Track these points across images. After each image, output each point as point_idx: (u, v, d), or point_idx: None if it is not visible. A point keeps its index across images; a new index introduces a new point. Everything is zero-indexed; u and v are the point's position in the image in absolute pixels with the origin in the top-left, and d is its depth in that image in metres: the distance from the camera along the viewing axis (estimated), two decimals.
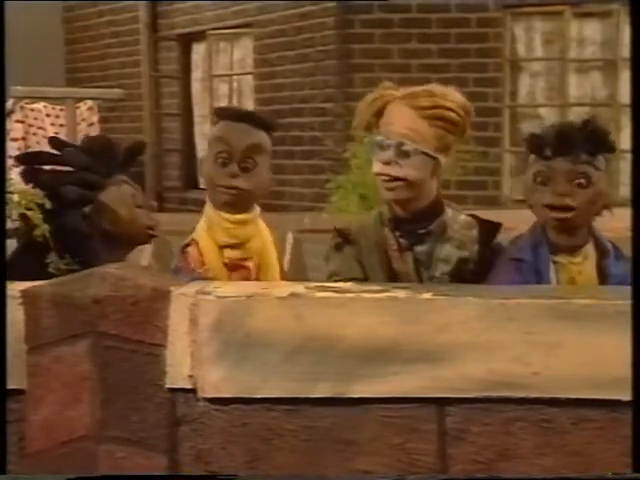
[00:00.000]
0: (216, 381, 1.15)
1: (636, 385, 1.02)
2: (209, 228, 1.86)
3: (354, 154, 4.69)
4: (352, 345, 1.14)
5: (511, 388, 1.12)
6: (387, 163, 1.75)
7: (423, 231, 1.79)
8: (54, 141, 1.82)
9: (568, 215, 1.76)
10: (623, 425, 1.11)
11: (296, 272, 2.26)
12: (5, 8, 1.21)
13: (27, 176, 1.74)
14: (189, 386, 1.16)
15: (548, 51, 6.90)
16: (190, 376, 1.16)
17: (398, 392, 1.14)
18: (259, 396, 1.15)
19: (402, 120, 1.78)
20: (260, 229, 1.93)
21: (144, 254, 2.32)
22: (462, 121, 1.82)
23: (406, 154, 1.75)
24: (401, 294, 1.16)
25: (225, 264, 1.83)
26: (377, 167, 1.78)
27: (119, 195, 1.77)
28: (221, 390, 1.15)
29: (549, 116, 6.80)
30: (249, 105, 7.91)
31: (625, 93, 6.60)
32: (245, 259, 1.89)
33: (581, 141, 1.82)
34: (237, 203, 1.85)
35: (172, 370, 1.16)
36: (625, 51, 6.58)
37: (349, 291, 1.18)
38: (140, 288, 1.17)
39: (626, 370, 1.10)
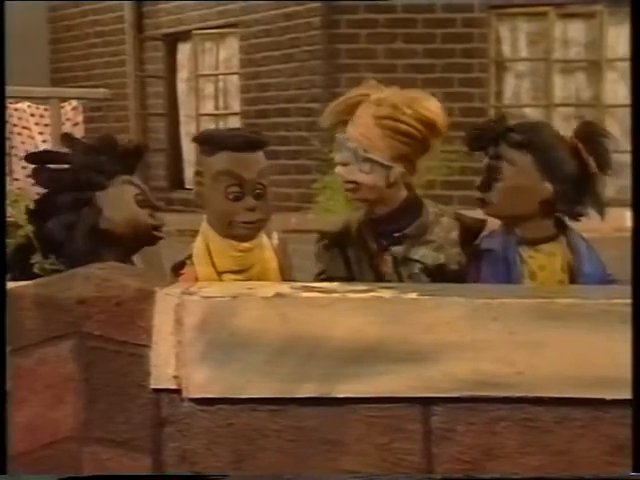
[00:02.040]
0: (201, 381, 1.15)
1: (636, 385, 1.02)
2: (211, 254, 1.78)
3: None
4: (338, 345, 1.14)
5: (496, 388, 1.12)
6: (344, 165, 1.79)
7: (398, 234, 1.81)
8: (66, 138, 1.79)
9: (487, 207, 1.80)
10: (605, 424, 1.12)
11: (282, 272, 2.25)
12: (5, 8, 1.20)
13: (38, 175, 1.70)
14: (174, 386, 1.16)
15: (533, 52, 6.93)
16: (175, 376, 1.15)
17: (383, 392, 1.14)
18: (244, 396, 1.15)
19: (360, 125, 1.80)
20: (263, 251, 1.85)
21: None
22: (421, 135, 1.82)
23: (360, 159, 1.78)
24: (386, 294, 1.16)
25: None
26: (337, 167, 1.82)
27: (118, 195, 1.74)
28: (206, 390, 1.15)
29: (534, 116, 6.82)
30: (235, 105, 7.90)
31: (609, 94, 6.64)
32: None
33: (494, 137, 1.84)
34: (255, 234, 1.79)
35: (157, 370, 1.16)
36: (609, 52, 6.61)
37: (335, 291, 1.18)
38: (124, 288, 1.16)
39: (609, 369, 1.10)
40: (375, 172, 1.77)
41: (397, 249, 1.80)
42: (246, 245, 1.75)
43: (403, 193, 1.85)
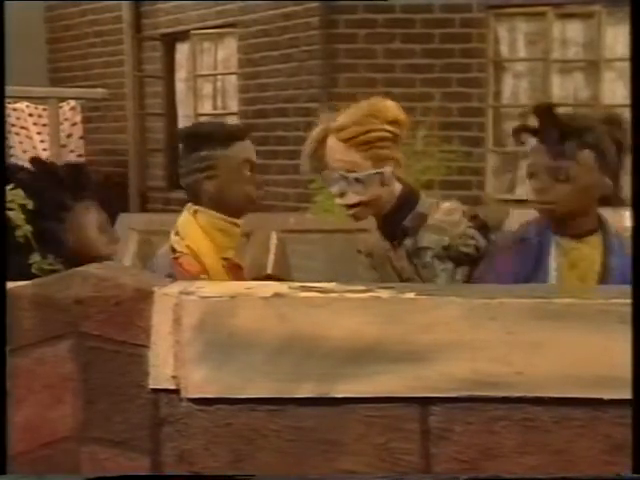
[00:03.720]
0: (199, 381, 1.15)
1: (636, 385, 1.02)
2: (207, 234, 1.90)
3: None
4: (336, 345, 1.14)
5: (494, 387, 1.13)
6: (341, 195, 1.89)
7: (395, 228, 1.89)
8: (34, 161, 1.84)
9: (549, 208, 1.79)
10: (604, 424, 1.12)
11: (280, 272, 2.33)
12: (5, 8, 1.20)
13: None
14: (172, 386, 1.16)
15: (531, 52, 6.94)
16: (173, 376, 1.15)
17: (382, 392, 1.14)
18: (243, 396, 1.15)
19: (335, 153, 1.93)
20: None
21: (127, 255, 2.32)
22: (392, 134, 1.92)
23: (351, 182, 1.87)
24: (384, 294, 1.16)
25: (223, 266, 1.90)
26: (336, 199, 1.95)
27: (82, 218, 1.78)
28: (205, 390, 1.15)
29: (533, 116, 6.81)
30: (233, 105, 7.90)
31: (607, 94, 6.64)
32: (241, 266, 1.96)
33: (559, 134, 1.85)
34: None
35: (155, 370, 1.16)
36: (607, 52, 6.62)
37: (333, 291, 1.18)
38: (122, 288, 1.16)
39: (607, 369, 1.10)
40: (369, 185, 1.87)
41: (407, 241, 1.86)
42: (240, 220, 2.00)
43: (398, 187, 1.93)
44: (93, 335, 1.16)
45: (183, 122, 8.44)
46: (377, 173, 1.89)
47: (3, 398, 1.13)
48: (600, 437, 1.12)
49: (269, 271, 2.21)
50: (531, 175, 1.86)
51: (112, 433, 1.17)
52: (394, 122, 1.93)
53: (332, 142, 1.92)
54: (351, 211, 1.93)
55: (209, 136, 2.01)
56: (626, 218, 2.40)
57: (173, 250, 1.94)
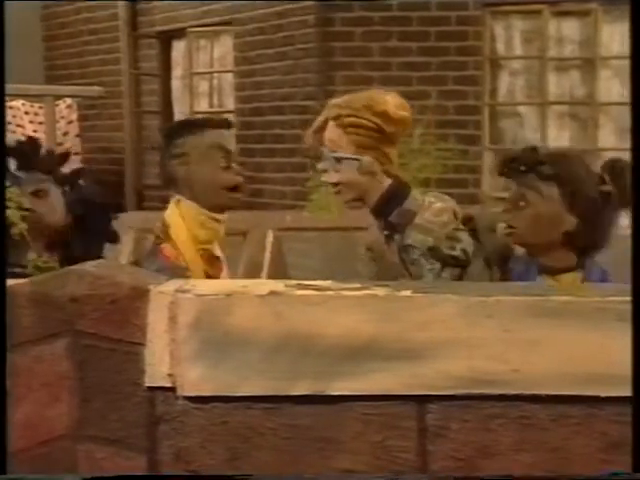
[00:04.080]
0: (195, 380, 1.15)
1: (636, 384, 1.02)
2: (190, 226, 1.96)
3: None
4: (332, 343, 1.14)
5: (491, 385, 1.13)
6: (324, 171, 1.97)
7: (385, 222, 1.94)
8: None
9: (511, 232, 1.87)
10: (600, 421, 1.12)
11: (277, 270, 2.36)
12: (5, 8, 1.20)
13: None
14: (168, 385, 1.15)
15: (527, 49, 6.94)
16: (169, 374, 1.15)
17: (378, 390, 1.14)
18: (239, 394, 1.15)
19: (327, 132, 1.99)
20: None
21: (124, 252, 2.32)
22: (374, 125, 1.98)
23: (334, 161, 1.95)
24: (380, 292, 1.16)
25: (201, 256, 1.96)
26: (322, 176, 2.04)
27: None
28: (201, 389, 1.15)
29: (528, 114, 6.83)
30: (229, 103, 7.90)
31: (603, 91, 6.64)
32: (218, 256, 2.02)
33: (522, 166, 1.92)
34: (235, 204, 2.07)
35: (151, 369, 1.16)
36: (603, 50, 6.62)
37: (329, 289, 1.18)
38: (118, 286, 1.16)
39: (604, 366, 1.10)
40: (346, 167, 1.93)
41: (398, 237, 1.90)
42: (222, 216, 2.03)
43: (386, 182, 1.97)
44: (89, 333, 1.16)
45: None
46: (355, 159, 1.96)
47: (3, 398, 1.12)
48: (597, 435, 1.12)
49: (265, 269, 2.25)
50: (505, 202, 1.95)
51: (108, 431, 1.17)
52: (384, 116, 1.97)
53: (329, 124, 2.01)
54: (332, 189, 2.02)
55: (183, 125, 2.10)
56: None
57: (157, 237, 2.00)
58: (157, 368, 1.15)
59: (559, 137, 6.62)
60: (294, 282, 1.23)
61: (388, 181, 1.98)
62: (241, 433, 1.16)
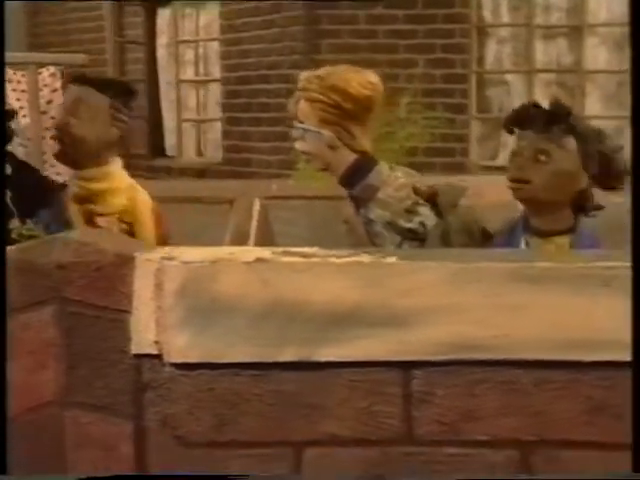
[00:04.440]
0: (182, 347, 1.15)
1: (636, 383, 1.03)
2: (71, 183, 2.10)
3: None
4: (318, 309, 1.14)
5: (475, 351, 1.13)
6: (294, 140, 2.04)
7: (350, 196, 2.01)
8: None
9: (524, 187, 1.81)
10: (584, 386, 1.13)
11: (263, 238, 2.40)
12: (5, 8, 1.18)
13: None
14: (155, 352, 1.16)
15: (514, 17, 6.91)
16: (156, 342, 1.15)
17: (364, 356, 1.15)
18: (225, 361, 1.16)
19: (299, 104, 2.05)
20: (124, 188, 2.16)
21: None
22: (332, 101, 2.05)
23: (302, 132, 2.02)
24: (366, 259, 1.17)
25: (83, 215, 2.03)
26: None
27: None
28: (187, 355, 1.15)
29: (515, 82, 6.82)
30: (215, 71, 7.85)
31: (590, 59, 6.64)
32: (103, 214, 2.07)
33: (545, 119, 1.87)
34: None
35: (137, 336, 1.16)
36: (590, 17, 6.60)
37: (315, 256, 1.18)
38: (104, 254, 1.16)
39: (587, 332, 1.11)
40: (311, 139, 2.00)
41: (363, 210, 1.96)
42: (84, 173, 2.09)
43: (350, 157, 2.03)
44: (75, 301, 1.16)
45: (165, 89, 8.38)
46: (317, 132, 2.02)
47: (3, 398, 1.12)
48: (580, 399, 1.13)
49: (252, 237, 2.27)
50: (513, 156, 1.89)
51: (95, 398, 1.17)
52: (344, 93, 2.03)
53: (299, 94, 2.08)
54: (303, 158, 2.10)
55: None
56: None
57: None
58: (143, 335, 1.16)
59: (546, 106, 6.61)
60: (280, 249, 1.23)
61: (354, 156, 2.04)
62: (227, 399, 1.17)
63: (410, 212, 1.97)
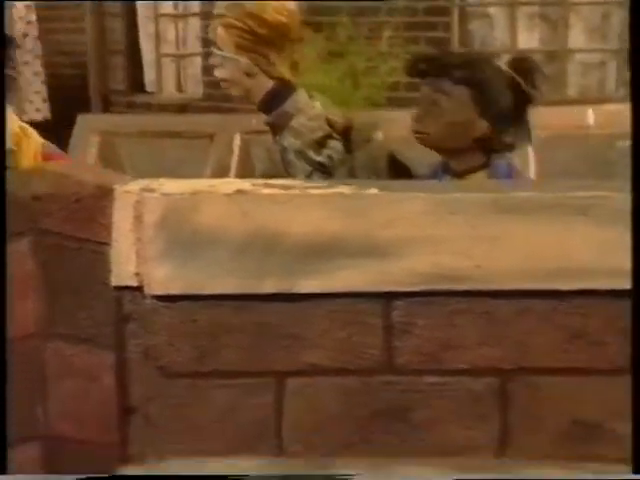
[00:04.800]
0: (162, 279, 1.15)
1: (636, 381, 1.03)
2: None
3: None
4: (298, 241, 1.15)
5: (455, 281, 1.14)
6: (213, 66, 2.06)
7: (266, 122, 2.04)
8: None
9: (423, 138, 1.89)
10: (562, 314, 1.14)
11: (244, 173, 2.40)
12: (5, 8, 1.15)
13: None
14: (135, 284, 1.16)
15: None
16: (136, 274, 1.15)
17: (344, 287, 1.16)
18: (206, 293, 1.16)
19: (216, 30, 2.07)
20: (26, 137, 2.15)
21: (89, 153, 2.30)
22: (247, 27, 2.07)
23: (220, 59, 2.05)
24: (347, 190, 1.16)
25: None
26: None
27: None
28: (168, 287, 1.15)
29: (498, 15, 6.75)
30: (195, 5, 7.70)
31: None
32: None
33: (435, 70, 1.91)
34: None
35: (118, 268, 1.16)
36: None
37: (295, 187, 1.18)
38: (83, 185, 1.15)
39: (566, 260, 1.12)
40: (228, 65, 2.02)
41: (278, 137, 1.99)
42: None
43: (268, 83, 2.06)
44: (54, 232, 1.15)
45: (143, 23, 8.24)
46: (234, 58, 2.04)
47: (3, 398, 1.12)
48: (559, 327, 1.14)
49: (233, 171, 2.28)
50: (416, 106, 1.95)
51: (77, 329, 1.17)
52: (257, 19, 2.05)
53: (217, 20, 2.10)
54: (222, 85, 2.10)
55: None
56: (588, 116, 2.41)
57: None
58: (124, 267, 1.15)
59: (529, 39, 6.56)
60: (261, 181, 1.23)
61: (272, 82, 2.06)
62: (209, 331, 1.17)
63: (320, 144, 2.01)
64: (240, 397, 1.18)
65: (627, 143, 2.20)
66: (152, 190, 1.15)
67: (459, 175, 1.89)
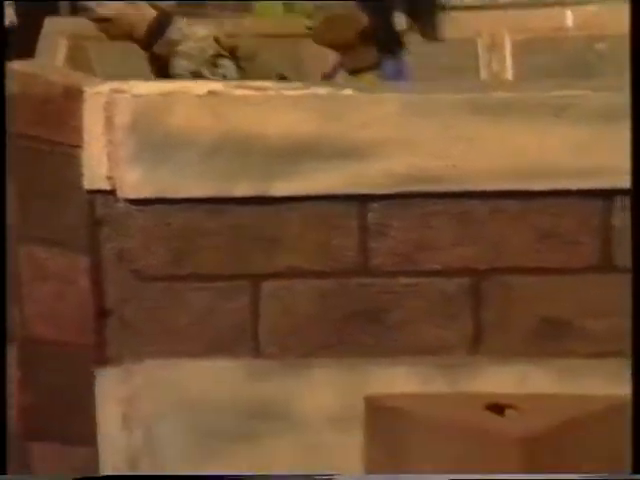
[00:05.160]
0: (135, 182, 1.14)
1: (636, 385, 1.03)
2: None
3: None
4: (273, 143, 1.13)
5: (431, 182, 1.14)
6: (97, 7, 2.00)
7: (152, 56, 2.03)
8: None
9: (310, 33, 1.99)
10: (534, 214, 1.14)
11: None
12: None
13: None
14: (108, 187, 1.14)
15: None
16: (108, 177, 1.14)
17: (320, 189, 1.15)
18: (180, 196, 1.15)
19: None
20: None
21: (57, 57, 2.24)
22: None
23: None
24: (322, 91, 1.15)
25: None
26: None
27: None
28: (140, 191, 1.14)
29: None
30: None
31: None
32: None
33: None
34: None
35: (89, 171, 1.14)
36: None
37: (269, 89, 1.15)
38: (51, 86, 1.12)
39: (539, 161, 1.12)
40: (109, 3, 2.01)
41: (169, 69, 2.00)
42: None
43: (150, 15, 2.05)
44: (22, 134, 1.13)
45: None
46: None
47: (3, 398, 1.11)
48: (531, 227, 1.15)
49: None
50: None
51: (50, 233, 1.16)
52: None
53: None
54: (101, 26, 2.08)
55: None
56: (567, 17, 2.38)
57: None
58: (95, 171, 1.14)
59: None
60: (233, 82, 1.20)
61: (153, 13, 2.04)
62: (184, 234, 1.17)
63: (212, 64, 2.02)
64: (216, 300, 1.18)
65: (605, 45, 2.19)
66: (123, 91, 1.13)
67: (352, 73, 1.99)
